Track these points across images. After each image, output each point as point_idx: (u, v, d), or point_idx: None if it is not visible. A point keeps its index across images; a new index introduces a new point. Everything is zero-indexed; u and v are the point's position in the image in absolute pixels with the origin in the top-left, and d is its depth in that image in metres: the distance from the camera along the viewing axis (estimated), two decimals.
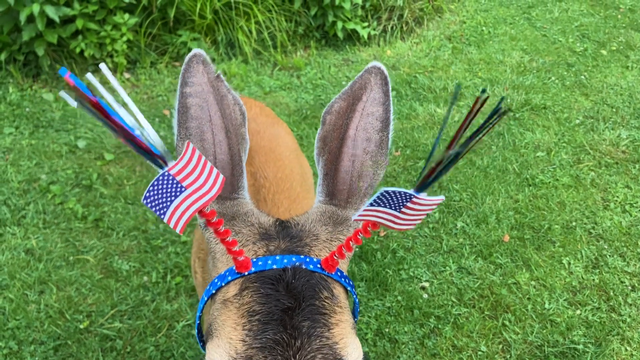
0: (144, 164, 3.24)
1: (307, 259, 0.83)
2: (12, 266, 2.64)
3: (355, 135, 0.95)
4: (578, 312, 2.51)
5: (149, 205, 0.69)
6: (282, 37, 4.33)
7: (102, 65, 0.67)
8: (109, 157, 3.27)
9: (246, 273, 0.81)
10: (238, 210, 0.91)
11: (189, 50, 4.08)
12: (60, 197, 2.99)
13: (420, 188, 0.70)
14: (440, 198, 0.71)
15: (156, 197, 0.69)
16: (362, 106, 0.95)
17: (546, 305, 2.53)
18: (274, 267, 0.81)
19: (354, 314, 0.94)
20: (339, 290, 0.84)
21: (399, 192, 0.70)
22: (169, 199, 0.69)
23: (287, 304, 0.76)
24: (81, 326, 2.41)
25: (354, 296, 0.90)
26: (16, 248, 2.73)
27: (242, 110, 0.96)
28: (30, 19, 3.54)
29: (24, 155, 3.28)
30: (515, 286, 2.62)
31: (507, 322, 2.46)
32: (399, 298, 2.55)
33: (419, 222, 0.74)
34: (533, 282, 2.63)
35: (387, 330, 2.43)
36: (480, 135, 0.66)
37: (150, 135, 0.65)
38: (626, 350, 2.35)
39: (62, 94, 0.63)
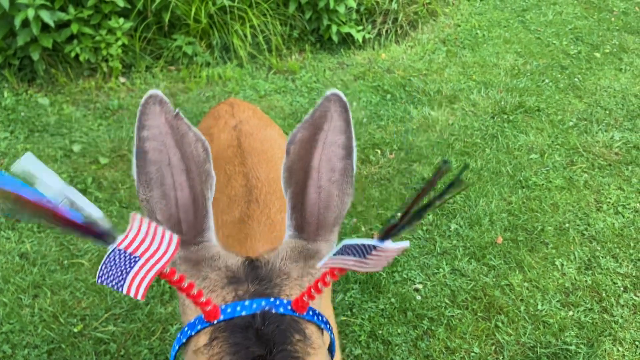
0: None
1: (277, 302, 0.81)
2: (6, 270, 2.65)
3: (319, 165, 0.93)
4: (570, 313, 2.52)
5: (104, 282, 0.69)
6: (277, 41, 4.35)
7: (29, 155, 0.65)
8: (103, 161, 3.28)
9: (215, 322, 0.80)
10: (204, 255, 0.89)
11: (184, 54, 4.10)
12: None
13: (384, 238, 0.69)
14: (404, 244, 0.71)
15: (110, 273, 0.68)
16: (324, 135, 0.93)
17: (539, 307, 2.54)
18: (243, 313, 0.79)
19: (331, 349, 0.93)
20: (311, 330, 0.82)
21: (362, 245, 0.70)
22: (124, 271, 0.68)
23: (258, 352, 0.75)
24: (75, 330, 2.42)
25: (330, 333, 0.89)
26: (10, 252, 2.74)
27: (204, 147, 0.93)
28: (25, 23, 3.55)
29: (19, 159, 3.28)
30: (508, 288, 2.63)
31: (500, 324, 2.47)
32: (393, 300, 2.56)
33: (385, 265, 0.74)
34: (526, 284, 2.64)
35: (380, 332, 2.44)
36: (443, 201, 0.66)
37: (92, 214, 0.65)
38: (618, 350, 2.36)
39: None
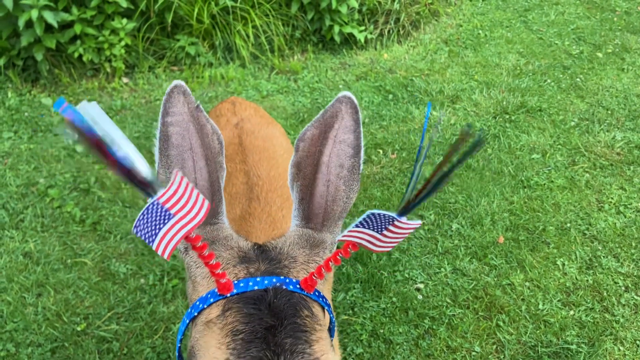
0: None
1: (287, 280, 0.85)
2: (10, 269, 2.66)
3: (329, 161, 0.98)
4: (572, 312, 2.52)
5: (139, 234, 0.72)
6: (279, 41, 4.36)
7: (94, 104, 0.68)
8: None
9: (228, 295, 0.83)
10: (218, 235, 0.94)
11: (187, 54, 4.12)
12: (59, 201, 3.01)
13: (403, 212, 0.73)
14: (418, 223, 0.76)
15: (146, 225, 0.72)
16: (335, 134, 0.98)
17: (540, 306, 2.54)
18: (255, 288, 0.83)
19: (331, 332, 0.96)
20: (317, 310, 0.86)
21: (384, 215, 0.73)
22: (157, 226, 0.71)
23: (270, 322, 0.79)
24: (78, 328, 2.43)
25: (331, 315, 0.93)
26: (14, 251, 2.76)
27: (219, 140, 0.99)
28: (29, 24, 3.57)
29: (22, 159, 3.30)
30: (509, 287, 2.63)
31: (501, 323, 2.48)
32: (394, 299, 2.57)
33: (395, 244, 0.78)
34: (527, 283, 2.65)
35: (381, 331, 2.45)
36: (460, 165, 0.71)
37: (140, 166, 0.68)
38: (619, 350, 2.37)
39: (61, 130, 0.66)
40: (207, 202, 0.75)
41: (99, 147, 0.65)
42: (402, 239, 0.78)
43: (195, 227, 0.73)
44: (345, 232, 0.77)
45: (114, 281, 2.63)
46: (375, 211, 0.74)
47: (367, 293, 2.60)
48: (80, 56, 3.88)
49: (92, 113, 0.67)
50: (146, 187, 0.69)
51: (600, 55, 4.47)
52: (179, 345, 0.96)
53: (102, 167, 3.26)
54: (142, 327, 2.44)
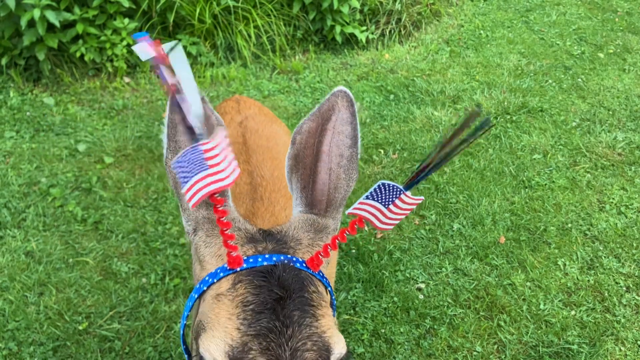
0: (144, 167, 3.27)
1: (294, 258, 0.89)
2: (12, 268, 2.67)
3: (330, 150, 1.03)
4: (573, 312, 2.52)
5: (178, 169, 0.75)
6: (280, 41, 4.36)
7: (180, 47, 0.74)
8: (108, 160, 3.30)
9: (238, 269, 0.86)
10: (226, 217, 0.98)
11: (189, 54, 4.12)
12: (60, 200, 3.02)
13: (409, 185, 0.78)
14: (420, 198, 0.81)
15: (185, 165, 0.75)
16: (332, 125, 1.03)
17: (541, 306, 2.54)
18: (265, 263, 0.87)
19: (332, 307, 1.01)
20: (322, 288, 0.90)
21: (393, 186, 0.78)
22: (193, 171, 0.75)
23: (279, 294, 0.82)
24: (80, 327, 2.44)
25: (332, 297, 0.98)
26: (16, 250, 2.76)
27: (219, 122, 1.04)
28: (31, 23, 3.57)
29: (24, 158, 3.31)
30: (510, 287, 2.64)
31: (502, 323, 2.48)
32: (395, 299, 2.57)
33: (398, 222, 0.82)
34: (528, 283, 2.65)
35: (383, 330, 2.45)
36: (466, 145, 0.73)
37: (198, 112, 0.73)
38: (620, 350, 2.37)
39: (138, 47, 0.70)
40: (238, 169, 0.78)
41: (171, 85, 0.71)
42: (404, 216, 0.82)
43: (225, 187, 0.76)
44: (356, 205, 0.81)
45: (116, 280, 2.64)
46: (385, 182, 0.78)
47: (369, 293, 2.61)
48: (82, 56, 3.89)
49: (175, 55, 0.72)
50: (193, 131, 0.74)
51: (601, 55, 4.47)
52: (183, 323, 0.98)
53: (104, 166, 3.27)
54: (144, 326, 2.45)
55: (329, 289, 0.94)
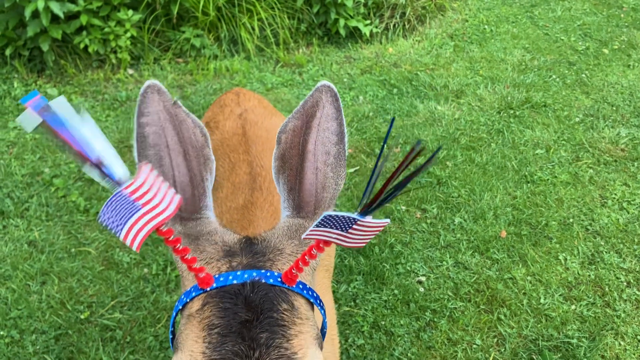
0: None
1: (268, 273, 0.85)
2: (15, 257, 2.69)
3: (315, 149, 0.98)
4: (573, 307, 2.53)
5: (106, 223, 0.72)
6: (284, 34, 4.36)
7: (61, 98, 0.70)
8: None
9: (208, 289, 0.84)
10: (201, 230, 0.93)
11: (192, 46, 4.12)
12: (63, 191, 3.03)
13: (364, 213, 0.72)
14: (385, 221, 0.75)
15: (112, 215, 0.71)
16: (317, 122, 0.98)
17: (541, 300, 2.55)
18: (235, 282, 0.83)
19: (322, 327, 0.96)
20: (300, 303, 0.85)
21: (342, 216, 0.73)
22: (124, 217, 0.71)
23: (245, 317, 0.79)
24: (82, 316, 2.45)
25: (321, 309, 0.92)
26: (19, 240, 2.78)
27: (203, 132, 0.98)
28: (35, 14, 3.58)
29: (27, 149, 3.32)
30: (511, 281, 2.64)
31: (502, 317, 2.48)
32: (396, 292, 2.58)
33: (368, 240, 0.77)
34: (529, 278, 2.65)
35: (383, 323, 2.46)
36: (415, 175, 0.70)
37: (110, 160, 0.70)
38: (620, 345, 2.37)
39: (21, 119, 0.68)
40: (178, 197, 0.75)
41: (66, 142, 0.67)
42: (373, 236, 0.77)
43: (165, 220, 0.73)
44: (308, 232, 0.76)
45: (118, 270, 2.65)
46: (332, 213, 0.73)
47: (369, 285, 2.61)
48: (86, 47, 3.89)
49: (62, 108, 0.69)
50: (113, 178, 0.71)
51: (606, 51, 4.45)
52: (171, 332, 0.97)
53: None
54: (145, 315, 2.46)
55: (313, 300, 0.89)
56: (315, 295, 0.90)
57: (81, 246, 2.76)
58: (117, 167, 0.71)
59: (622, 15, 4.97)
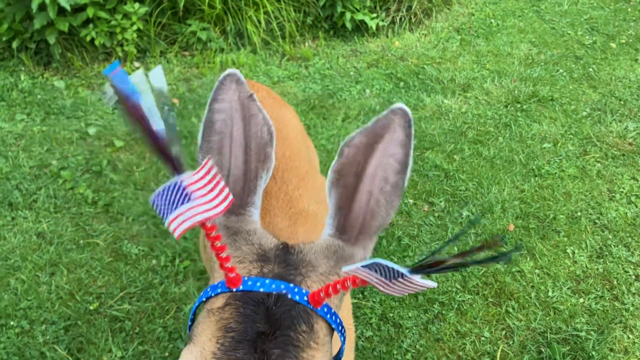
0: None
1: (296, 289, 0.83)
2: (24, 248, 2.70)
3: (374, 173, 0.94)
4: (581, 300, 2.53)
5: (155, 206, 0.72)
6: (290, 28, 4.35)
7: (159, 70, 0.70)
8: (119, 143, 3.31)
9: (234, 290, 0.83)
10: (242, 227, 0.92)
11: (199, 40, 4.12)
12: (71, 183, 3.04)
13: (416, 271, 0.70)
14: (432, 284, 0.72)
15: (163, 201, 0.72)
16: (384, 146, 0.94)
17: (550, 293, 2.55)
18: (261, 289, 0.82)
19: (338, 356, 0.94)
20: (320, 326, 0.83)
21: (391, 268, 0.70)
22: (173, 205, 0.71)
23: (263, 328, 0.78)
24: (91, 307, 2.46)
25: (341, 336, 0.90)
26: (28, 231, 2.79)
27: (270, 131, 0.96)
28: (42, 7, 3.58)
29: (35, 141, 3.33)
30: (519, 274, 2.64)
31: (510, 309, 2.48)
32: None
33: (406, 294, 0.75)
34: (537, 271, 2.65)
35: (391, 315, 2.46)
36: (481, 264, 0.68)
37: (175, 145, 0.69)
38: (628, 338, 2.37)
39: (105, 92, 0.67)
40: (231, 197, 0.74)
41: (138, 116, 0.65)
42: (413, 292, 0.74)
43: (213, 217, 0.72)
44: (353, 267, 0.73)
45: (126, 262, 2.66)
46: (383, 262, 0.70)
47: None
48: (93, 40, 3.89)
49: (145, 82, 0.67)
50: (174, 165, 0.70)
51: (613, 45, 4.44)
52: (190, 321, 0.97)
53: (115, 149, 3.29)
54: (154, 307, 2.47)
55: (335, 327, 0.86)
56: (338, 321, 0.87)
57: (89, 238, 2.77)
58: (176, 147, 0.70)
59: (629, 10, 4.95)
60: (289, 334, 0.78)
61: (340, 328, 0.87)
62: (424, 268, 0.68)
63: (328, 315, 0.84)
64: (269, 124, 0.97)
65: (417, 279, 0.69)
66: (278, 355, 0.76)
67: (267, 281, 0.83)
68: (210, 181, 0.72)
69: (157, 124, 0.68)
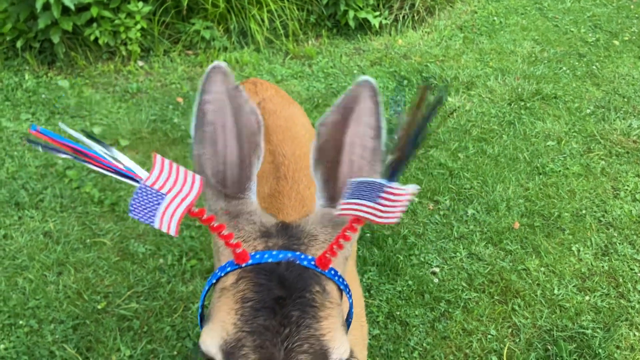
0: (159, 150, 3.29)
1: (302, 256, 0.87)
2: (31, 248, 2.70)
3: (351, 142, 0.99)
4: (587, 297, 2.54)
5: (136, 217, 0.76)
6: (294, 26, 4.35)
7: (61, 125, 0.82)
8: (123, 143, 3.32)
9: (243, 265, 0.86)
10: (243, 209, 0.96)
11: (202, 38, 4.12)
12: (77, 182, 3.04)
13: (390, 178, 0.75)
14: (413, 187, 0.77)
15: (140, 208, 0.75)
16: (356, 116, 0.99)
17: (555, 291, 2.56)
18: (270, 260, 0.86)
19: (349, 315, 0.98)
20: (331, 287, 0.88)
21: (371, 182, 0.75)
22: (153, 207, 0.75)
23: (279, 293, 0.81)
24: (99, 306, 2.47)
25: (348, 296, 0.94)
26: (34, 231, 2.79)
27: (258, 120, 1.00)
28: (46, 6, 3.58)
29: (40, 140, 3.33)
30: (525, 272, 2.65)
31: (516, 307, 2.49)
32: (410, 282, 2.59)
33: (399, 214, 0.78)
34: (543, 269, 2.66)
35: (398, 313, 2.47)
36: (429, 120, 0.73)
37: (120, 158, 0.76)
38: (634, 335, 2.38)
39: (31, 143, 0.76)
40: (199, 177, 0.77)
41: (78, 152, 0.74)
42: (403, 207, 0.78)
43: (193, 201, 0.75)
44: (340, 207, 0.78)
45: (133, 261, 2.67)
46: (361, 179, 0.75)
47: (383, 276, 2.62)
48: (97, 39, 3.89)
49: (69, 130, 0.77)
50: (130, 176, 0.76)
51: (616, 43, 4.44)
52: (200, 308, 1.00)
53: (120, 149, 3.28)
54: (162, 306, 2.48)
55: (342, 288, 0.91)
56: (345, 283, 0.92)
57: (96, 237, 2.78)
58: (133, 165, 0.77)
59: (632, 7, 4.95)
60: (304, 295, 0.82)
61: (347, 290, 0.92)
62: (395, 168, 0.74)
63: (336, 277, 0.89)
64: (256, 113, 1.00)
65: (398, 186, 0.75)
66: (298, 317, 0.79)
67: (274, 252, 0.87)
68: (170, 172, 0.76)
69: (97, 152, 0.76)
